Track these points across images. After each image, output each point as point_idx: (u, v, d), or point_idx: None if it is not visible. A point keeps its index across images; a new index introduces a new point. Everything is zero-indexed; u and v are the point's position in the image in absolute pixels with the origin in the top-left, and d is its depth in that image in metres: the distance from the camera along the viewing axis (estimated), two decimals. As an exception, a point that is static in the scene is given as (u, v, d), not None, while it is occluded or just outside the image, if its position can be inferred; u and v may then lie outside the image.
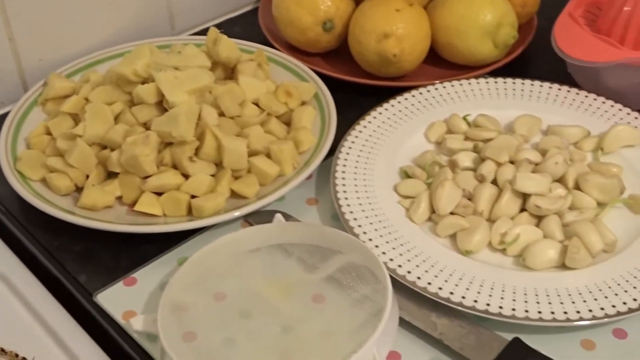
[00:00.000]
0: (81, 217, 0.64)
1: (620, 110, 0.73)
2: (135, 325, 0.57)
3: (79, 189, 0.67)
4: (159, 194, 0.66)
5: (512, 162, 0.66)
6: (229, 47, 0.75)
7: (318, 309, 0.57)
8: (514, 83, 0.77)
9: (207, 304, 0.58)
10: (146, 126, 0.68)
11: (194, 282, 0.59)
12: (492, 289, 0.57)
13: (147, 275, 0.62)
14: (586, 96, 0.75)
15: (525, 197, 0.63)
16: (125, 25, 0.84)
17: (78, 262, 0.63)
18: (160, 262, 0.63)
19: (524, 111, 0.73)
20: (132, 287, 0.61)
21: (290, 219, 0.66)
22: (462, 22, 0.78)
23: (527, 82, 0.77)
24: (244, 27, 0.91)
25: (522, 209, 0.64)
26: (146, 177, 0.66)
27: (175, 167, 0.67)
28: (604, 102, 0.74)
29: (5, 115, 0.74)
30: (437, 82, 0.77)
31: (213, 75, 0.72)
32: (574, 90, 0.76)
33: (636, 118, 0.72)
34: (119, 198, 0.67)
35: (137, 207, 0.65)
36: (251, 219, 0.66)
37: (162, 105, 0.69)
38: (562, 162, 0.65)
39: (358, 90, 0.80)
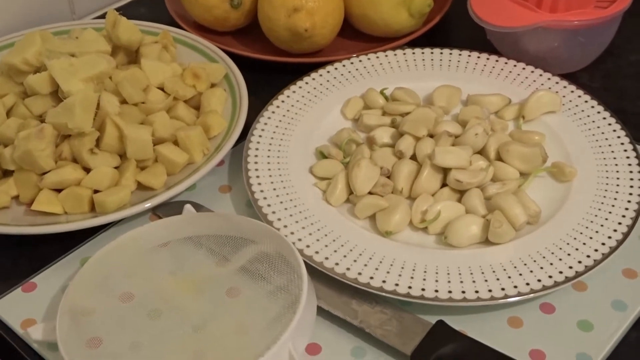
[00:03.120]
0: (-27, 221, 0.59)
1: (540, 75, 0.71)
2: (34, 335, 0.52)
3: (-29, 191, 0.62)
4: (59, 190, 0.61)
5: (431, 136, 0.64)
6: (130, 30, 0.71)
7: (232, 304, 0.53)
8: (432, 53, 0.74)
9: (113, 307, 0.54)
10: (42, 119, 0.64)
11: (97, 283, 0.54)
12: (413, 270, 0.54)
13: (48, 280, 0.57)
14: (506, 62, 0.73)
15: (445, 171, 0.60)
16: (22, 11, 0.79)
17: (-28, 269, 0.59)
18: (62, 264, 0.59)
19: (443, 82, 0.71)
20: (31, 293, 0.56)
21: (202, 209, 0.62)
22: (375, -9, 0.74)
23: (446, 51, 0.74)
24: (150, 8, 0.87)
25: (443, 185, 0.61)
26: (43, 174, 0.61)
27: (74, 160, 0.63)
28: (524, 68, 0.72)
29: None
30: (353, 56, 0.74)
31: (114, 60, 0.68)
32: (494, 57, 0.73)
33: (557, 83, 0.70)
34: (16, 198, 0.62)
35: (34, 207, 0.60)
36: (160, 211, 0.62)
37: (57, 96, 0.64)
38: (483, 132, 0.62)
39: (272, 69, 0.76)
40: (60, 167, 0.62)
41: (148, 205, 0.60)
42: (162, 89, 0.69)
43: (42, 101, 0.64)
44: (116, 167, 0.63)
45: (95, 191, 0.61)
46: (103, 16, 0.85)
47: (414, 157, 0.62)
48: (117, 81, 0.66)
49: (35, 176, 0.61)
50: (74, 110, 0.60)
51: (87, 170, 0.62)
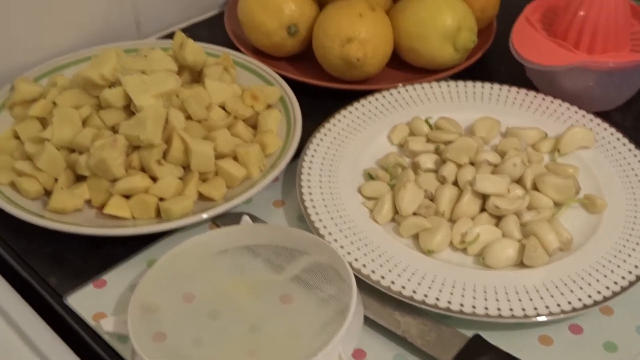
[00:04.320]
0: (50, 221, 0.64)
1: (576, 112, 0.76)
2: (106, 327, 0.58)
3: (47, 193, 0.68)
4: (128, 197, 0.67)
5: (472, 164, 0.68)
6: (195, 51, 0.76)
7: (285, 309, 0.58)
8: (474, 86, 0.79)
9: (177, 305, 0.59)
10: (114, 130, 0.69)
11: (163, 283, 0.60)
12: (453, 287, 0.59)
13: (117, 277, 0.63)
14: (543, 99, 0.77)
15: (484, 197, 0.65)
16: (92, 29, 0.85)
17: (48, 264, 0.64)
18: (130, 264, 0.64)
19: (484, 114, 0.76)
20: (102, 289, 0.62)
21: (257, 220, 0.67)
22: (423, 26, 0.80)
23: (487, 85, 0.79)
24: (210, 31, 0.92)
25: (482, 209, 0.66)
26: (114, 180, 0.67)
27: (143, 170, 0.68)
28: (560, 105, 0.77)
29: (-27, 119, 0.74)
30: (400, 85, 0.79)
31: (180, 79, 0.74)
32: (532, 92, 0.78)
33: (591, 120, 0.75)
34: (88, 201, 0.68)
35: (106, 210, 0.66)
36: (219, 221, 0.67)
37: (129, 109, 0.70)
38: (520, 163, 0.67)
39: (323, 93, 0.81)
40: (130, 175, 0.67)
41: (209, 214, 0.65)
42: (223, 108, 0.74)
43: (115, 113, 0.70)
44: (180, 178, 0.68)
45: (161, 199, 0.67)
46: (166, 36, 0.91)
47: (455, 183, 0.67)
48: (183, 99, 0.71)
49: (107, 182, 0.67)
50: (146, 123, 0.66)
51: (154, 179, 0.67)
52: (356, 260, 0.61)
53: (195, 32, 0.90)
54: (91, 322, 0.59)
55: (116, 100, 0.69)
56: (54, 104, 0.72)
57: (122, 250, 0.65)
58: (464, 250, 0.63)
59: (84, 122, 0.70)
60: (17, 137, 0.72)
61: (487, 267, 0.62)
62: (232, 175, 0.69)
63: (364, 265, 0.61)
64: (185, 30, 0.89)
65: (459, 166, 0.68)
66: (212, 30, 0.92)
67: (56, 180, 0.68)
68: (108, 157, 0.65)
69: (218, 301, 0.59)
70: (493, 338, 0.57)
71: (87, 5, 0.83)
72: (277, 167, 0.69)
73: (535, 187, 0.67)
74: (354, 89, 0.80)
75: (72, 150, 0.69)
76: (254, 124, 0.75)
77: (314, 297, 0.58)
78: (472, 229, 0.63)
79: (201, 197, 0.68)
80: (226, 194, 0.68)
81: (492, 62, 0.87)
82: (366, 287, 0.60)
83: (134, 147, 0.68)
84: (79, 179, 0.69)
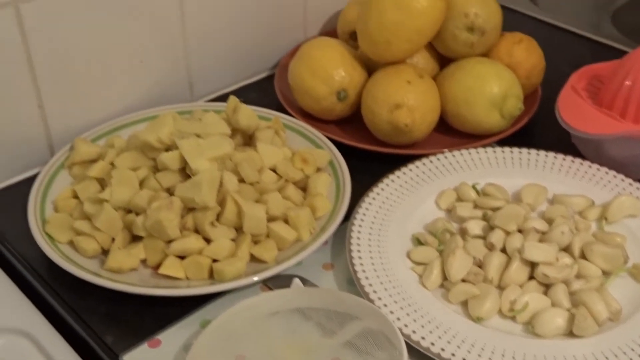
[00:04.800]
0: (107, 280, 0.66)
1: (622, 180, 0.77)
2: (161, 387, 0.59)
3: (105, 252, 0.70)
4: (182, 257, 0.69)
5: (519, 231, 0.69)
6: (248, 116, 0.79)
7: (336, 373, 0.59)
8: (520, 152, 0.80)
9: (229, 367, 0.60)
10: (169, 191, 0.71)
11: (216, 344, 0.61)
12: (503, 355, 0.60)
13: (171, 337, 0.64)
14: (590, 166, 0.78)
15: (533, 265, 0.66)
16: (147, 92, 0.88)
17: (104, 322, 0.66)
18: (183, 324, 0.65)
19: (530, 180, 0.77)
20: (156, 348, 0.63)
21: (308, 283, 0.68)
22: (470, 93, 0.81)
23: (533, 151, 0.80)
24: (259, 93, 0.95)
25: (530, 277, 0.66)
26: (170, 241, 0.69)
27: (197, 231, 0.70)
28: (606, 173, 0.77)
29: (33, 177, 0.77)
30: (447, 150, 0.81)
31: (233, 142, 0.76)
32: (578, 160, 0.79)
33: (638, 189, 0.76)
34: (144, 261, 0.70)
35: (161, 270, 0.67)
36: (270, 282, 0.69)
37: (185, 172, 0.72)
38: (568, 231, 0.68)
39: (370, 156, 0.83)
40: (185, 236, 0.69)
41: (261, 277, 0.67)
42: (274, 171, 0.76)
43: (171, 176, 0.72)
44: (232, 239, 0.70)
45: (214, 260, 0.68)
46: (217, 98, 0.94)
47: (503, 250, 0.68)
48: (236, 162, 0.74)
49: (162, 243, 0.69)
50: (201, 187, 0.68)
51: (208, 240, 0.69)
52: (406, 326, 0.62)
53: (245, 94, 0.93)
54: (146, 381, 0.61)
55: (172, 163, 0.71)
56: (112, 165, 0.75)
57: (176, 310, 0.67)
58: (513, 318, 0.64)
59: (141, 184, 0.72)
60: (75, 196, 0.75)
61: (537, 335, 0.62)
62: (283, 238, 0.70)
63: (414, 332, 0.61)
64: (235, 92, 0.92)
65: (507, 233, 0.69)
66: (261, 92, 0.95)
67: (113, 239, 0.70)
68: (164, 219, 0.67)
69: (270, 363, 0.60)
70: (543, 408, 0.57)
71: (143, 70, 0.86)
72: (327, 231, 0.71)
73: (583, 256, 0.68)
74: (402, 153, 0.82)
75: (129, 211, 0.71)
76: (303, 187, 0.77)
77: (365, 362, 0.59)
78: (520, 297, 0.64)
79: (253, 258, 0.69)
80: (277, 256, 0.70)
81: (537, 127, 0.88)
82: (416, 353, 0.60)
83: (189, 209, 0.70)
84: (135, 238, 0.71)
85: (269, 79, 0.97)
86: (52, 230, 0.71)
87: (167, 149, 0.73)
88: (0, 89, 0.75)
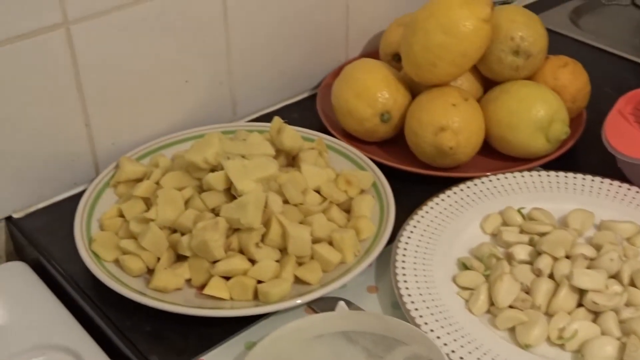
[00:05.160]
0: (153, 299, 0.66)
1: (670, 206, 0.76)
2: (207, 409, 0.59)
3: (150, 271, 0.70)
4: (227, 278, 0.69)
5: (567, 257, 0.69)
6: (292, 137, 0.79)
7: (383, 399, 0.59)
8: (566, 177, 0.79)
9: (275, 389, 0.60)
10: (214, 211, 0.72)
11: (262, 367, 0.61)
12: (552, 383, 0.59)
13: (216, 358, 0.64)
14: (637, 192, 0.77)
15: (582, 292, 0.65)
16: (191, 111, 0.88)
17: (149, 342, 0.66)
18: (228, 345, 0.65)
19: (576, 205, 0.76)
20: (201, 370, 0.63)
21: (352, 306, 0.68)
22: (515, 117, 0.81)
23: (579, 176, 0.79)
24: (301, 113, 0.95)
25: (579, 304, 0.66)
26: (215, 262, 0.69)
27: (241, 252, 0.70)
28: (654, 198, 0.77)
29: (79, 195, 0.78)
30: (490, 174, 0.80)
31: (277, 163, 0.76)
32: (625, 186, 0.78)
33: (686, 215, 0.75)
34: (188, 280, 0.70)
35: (206, 291, 0.67)
36: (314, 305, 0.69)
37: (230, 192, 0.72)
38: (617, 258, 0.67)
39: (413, 179, 0.83)
40: (230, 257, 0.69)
41: (306, 299, 0.67)
42: (317, 192, 0.76)
43: (216, 196, 0.72)
44: (277, 261, 0.70)
45: (259, 281, 0.68)
46: (259, 118, 0.95)
47: (550, 276, 0.67)
48: (281, 183, 0.74)
49: (207, 263, 0.69)
50: (247, 208, 0.68)
51: (252, 261, 0.69)
52: (453, 352, 0.61)
53: (287, 114, 0.93)
54: (192, 403, 0.61)
55: (218, 184, 0.72)
56: (157, 184, 0.75)
57: (220, 330, 0.67)
58: (562, 346, 0.63)
59: (186, 204, 0.73)
60: (121, 215, 0.75)
61: (586, 364, 0.61)
62: (327, 260, 0.70)
63: (461, 358, 0.61)
64: (277, 112, 0.93)
65: (555, 259, 0.68)
66: (303, 112, 0.95)
67: (158, 259, 0.70)
68: (210, 239, 0.67)
69: (315, 387, 0.60)
70: None
71: (188, 89, 0.87)
72: (372, 253, 0.71)
73: (632, 283, 0.67)
74: (445, 175, 0.81)
75: (174, 231, 0.72)
76: (347, 209, 0.77)
77: (412, 388, 0.58)
78: (569, 325, 0.63)
79: (297, 280, 0.69)
80: (321, 278, 0.70)
81: (582, 151, 0.87)
82: (463, 379, 0.60)
83: (234, 229, 0.70)
84: (180, 258, 0.71)
85: (311, 99, 0.97)
86: (98, 249, 0.71)
87: (213, 169, 0.74)
88: (49, 106, 0.76)
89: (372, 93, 0.84)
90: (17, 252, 0.81)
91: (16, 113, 0.75)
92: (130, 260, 0.70)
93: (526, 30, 0.82)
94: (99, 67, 0.78)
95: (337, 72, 0.92)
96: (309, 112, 0.94)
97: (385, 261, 0.72)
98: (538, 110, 0.80)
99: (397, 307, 0.67)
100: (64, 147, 0.80)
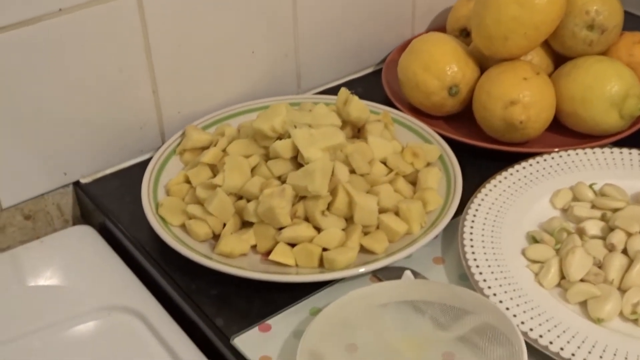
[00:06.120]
0: (219, 263, 0.67)
1: None
2: (273, 371, 0.59)
3: (215, 237, 0.71)
4: (292, 245, 0.69)
5: (642, 233, 0.67)
6: (360, 108, 0.78)
7: (448, 367, 0.58)
8: (639, 154, 0.77)
9: (340, 355, 0.59)
10: (280, 179, 0.72)
11: (328, 332, 0.60)
12: (625, 358, 0.57)
13: (281, 323, 0.64)
14: None
15: (656, 268, 0.64)
16: (257, 83, 0.89)
17: (214, 306, 0.66)
18: (293, 310, 0.65)
19: (650, 182, 0.74)
20: (266, 333, 0.63)
21: (418, 276, 0.67)
22: (588, 92, 0.79)
23: (653, 153, 0.77)
24: (365, 87, 0.94)
25: (653, 280, 0.64)
26: (280, 228, 0.69)
27: (307, 220, 0.70)
28: None
29: (145, 163, 0.78)
30: (560, 149, 0.78)
31: (344, 133, 0.75)
32: (701, 164, 0.76)
33: None
34: (253, 247, 0.70)
35: (272, 257, 0.67)
36: (380, 274, 0.68)
37: (296, 160, 0.72)
38: (694, 235, 0.65)
39: (480, 154, 0.81)
40: (296, 224, 0.69)
41: (372, 267, 0.66)
42: (384, 164, 0.76)
43: (282, 164, 0.72)
44: (342, 230, 0.69)
45: (324, 249, 0.68)
46: (323, 92, 0.94)
47: (624, 252, 0.66)
48: (347, 153, 0.73)
49: (273, 230, 0.69)
50: (315, 175, 0.68)
51: (318, 229, 0.69)
52: (522, 323, 0.60)
53: (352, 88, 0.91)
54: (257, 365, 0.61)
55: (285, 152, 0.72)
56: (224, 152, 0.76)
57: (285, 296, 0.66)
58: (635, 321, 0.61)
59: (253, 171, 0.73)
60: (187, 181, 0.75)
61: (661, 340, 0.60)
62: (393, 230, 0.69)
63: (531, 329, 0.60)
64: (342, 86, 0.92)
65: (629, 235, 0.66)
66: (368, 87, 0.94)
67: (224, 225, 0.71)
68: (276, 206, 0.67)
69: (381, 354, 0.59)
70: (670, 415, 0.55)
71: (255, 61, 0.87)
72: (439, 225, 0.70)
73: None
74: (514, 151, 0.80)
75: (240, 197, 0.72)
76: (413, 181, 0.76)
77: (481, 358, 0.57)
78: (644, 300, 0.61)
79: (362, 249, 0.69)
80: (387, 248, 0.69)
81: (655, 130, 0.85)
82: (532, 351, 0.59)
83: (300, 197, 0.70)
84: (245, 225, 0.71)
85: (375, 74, 0.96)
86: (165, 213, 0.72)
87: (279, 137, 0.73)
88: (118, 73, 0.77)
89: (440, 66, 0.83)
90: (83, 217, 0.82)
91: (87, 79, 0.76)
92: (197, 225, 0.70)
93: (601, 4, 0.80)
94: (167, 36, 0.79)
95: (402, 48, 0.91)
96: (374, 86, 0.93)
97: (452, 234, 0.71)
98: (612, 86, 0.78)
99: (464, 279, 0.66)
100: (131, 115, 0.81)
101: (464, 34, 0.91)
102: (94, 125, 0.79)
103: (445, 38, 0.86)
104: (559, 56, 0.85)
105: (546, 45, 0.85)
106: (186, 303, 0.67)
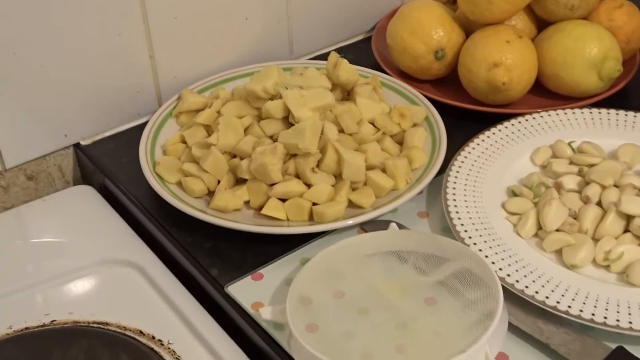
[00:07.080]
0: (213, 217, 0.70)
1: None
2: (264, 315, 0.62)
3: (210, 193, 0.74)
4: (283, 200, 0.72)
5: (616, 186, 0.70)
6: (349, 70, 0.81)
7: (430, 310, 0.61)
8: (617, 114, 0.80)
9: (328, 300, 0.63)
10: (272, 138, 0.75)
11: (317, 278, 0.64)
12: (597, 300, 0.61)
13: (273, 272, 0.67)
14: (688, 129, 0.78)
15: (629, 219, 0.67)
16: (250, 49, 0.91)
17: (209, 257, 0.70)
18: (284, 261, 0.69)
19: (626, 141, 0.77)
20: (259, 281, 0.67)
21: (404, 229, 0.71)
22: (568, 55, 0.82)
23: (630, 113, 0.80)
24: (356, 54, 0.97)
25: (625, 230, 0.67)
26: (272, 184, 0.72)
27: (297, 176, 0.73)
28: None
29: (143, 125, 0.82)
30: (541, 110, 0.82)
31: (333, 95, 0.78)
32: (676, 123, 0.79)
33: None
34: (246, 202, 0.73)
35: (264, 211, 0.71)
36: (367, 227, 0.71)
37: (287, 120, 0.75)
38: (665, 188, 0.68)
39: (465, 115, 0.84)
40: (287, 180, 0.72)
41: (359, 220, 0.69)
42: (372, 124, 0.79)
43: (274, 124, 0.75)
44: (332, 186, 0.73)
45: (314, 204, 0.71)
46: (315, 58, 0.97)
47: (598, 204, 0.69)
48: (337, 113, 0.76)
49: (265, 186, 0.72)
50: (305, 133, 0.71)
51: (308, 185, 0.72)
52: (500, 269, 0.64)
53: (342, 54, 0.95)
54: (250, 310, 0.64)
55: (276, 112, 0.75)
56: (219, 113, 0.79)
57: (277, 248, 0.70)
58: (607, 268, 0.65)
59: (246, 131, 0.76)
60: (183, 141, 0.79)
61: (631, 284, 0.63)
62: (380, 185, 0.72)
63: (508, 275, 0.63)
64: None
65: (603, 188, 0.70)
66: (358, 53, 0.97)
67: (219, 182, 0.74)
68: (268, 162, 0.70)
69: (367, 299, 0.62)
70: (637, 352, 0.58)
71: (248, 27, 0.90)
72: (423, 181, 0.73)
73: (679, 212, 0.68)
74: (497, 111, 0.83)
75: (234, 156, 0.75)
76: (400, 141, 0.79)
77: (459, 300, 0.60)
78: (616, 248, 0.65)
79: (350, 204, 0.72)
80: (374, 203, 0.72)
81: (634, 92, 0.88)
82: (510, 295, 0.62)
83: (291, 155, 0.73)
84: (239, 182, 0.74)
85: (365, 41, 0.99)
86: (162, 171, 0.75)
87: (271, 98, 0.76)
88: (117, 37, 0.80)
89: (427, 31, 0.86)
90: (83, 178, 0.85)
91: (85, 43, 0.78)
92: (192, 182, 0.73)
93: (582, -31, 0.83)
94: (164, 2, 0.81)
95: (392, 15, 0.94)
96: (363, 53, 0.96)
97: (437, 190, 0.74)
98: (592, 48, 0.81)
99: (447, 231, 0.70)
100: (129, 79, 0.84)
101: (452, 1, 0.94)
102: (93, 90, 0.82)
103: (432, 4, 0.88)
104: (541, 21, 0.88)
105: (529, 10, 0.87)
106: (182, 255, 0.71)
